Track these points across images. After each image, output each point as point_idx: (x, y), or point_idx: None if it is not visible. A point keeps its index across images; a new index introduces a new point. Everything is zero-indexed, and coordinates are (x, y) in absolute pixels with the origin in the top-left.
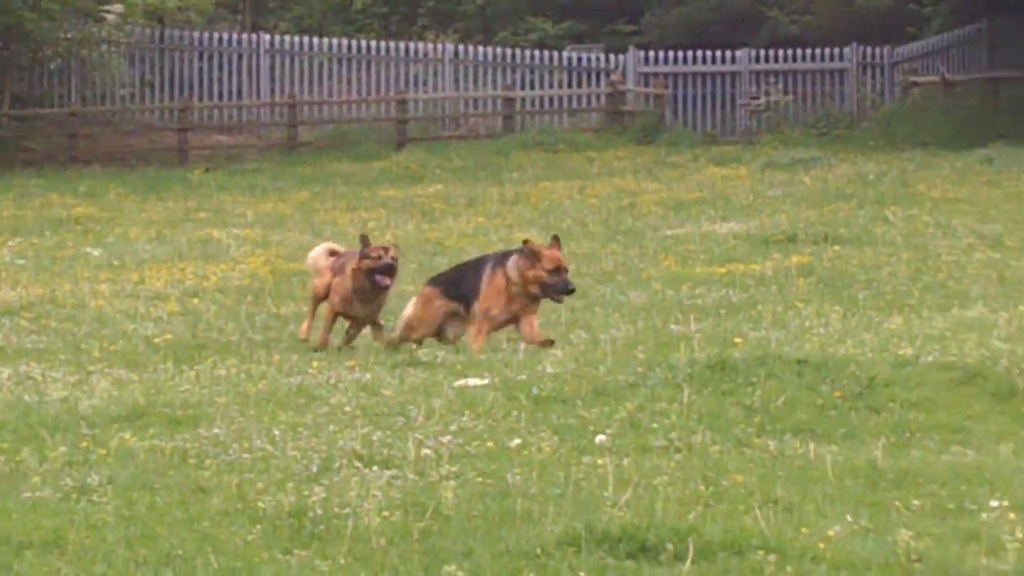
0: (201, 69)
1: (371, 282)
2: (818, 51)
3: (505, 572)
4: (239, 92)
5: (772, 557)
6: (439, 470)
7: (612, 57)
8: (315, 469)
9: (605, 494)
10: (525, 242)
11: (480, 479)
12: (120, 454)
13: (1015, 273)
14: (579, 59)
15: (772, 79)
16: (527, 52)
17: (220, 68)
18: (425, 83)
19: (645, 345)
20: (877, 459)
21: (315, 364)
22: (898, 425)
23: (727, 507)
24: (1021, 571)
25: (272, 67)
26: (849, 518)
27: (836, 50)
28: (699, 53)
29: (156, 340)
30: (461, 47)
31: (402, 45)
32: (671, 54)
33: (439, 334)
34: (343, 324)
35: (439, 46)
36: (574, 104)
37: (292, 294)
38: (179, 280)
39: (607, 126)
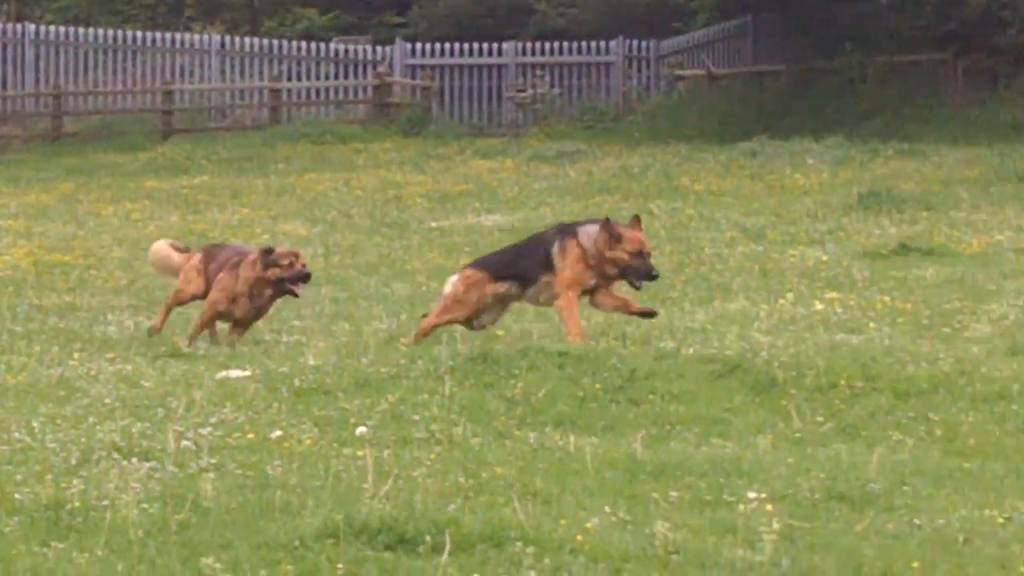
0: None
1: (280, 290)
2: (584, 44)
3: (263, 564)
4: (3, 82)
5: (530, 549)
6: (199, 462)
7: (379, 49)
8: (74, 461)
9: (365, 486)
10: (607, 220)
11: (240, 471)
12: None
13: (777, 266)
14: (346, 51)
15: (539, 72)
16: (294, 43)
17: None
18: (191, 74)
19: (408, 337)
20: (636, 451)
21: (76, 356)
22: (658, 417)
23: (487, 499)
24: (777, 562)
25: (37, 57)
26: (607, 510)
27: (603, 43)
28: (466, 45)
29: None
30: (228, 38)
31: (168, 36)
32: (438, 46)
33: (474, 319)
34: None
35: (205, 37)
36: (341, 96)
37: (54, 285)
38: None
39: (374, 118)
